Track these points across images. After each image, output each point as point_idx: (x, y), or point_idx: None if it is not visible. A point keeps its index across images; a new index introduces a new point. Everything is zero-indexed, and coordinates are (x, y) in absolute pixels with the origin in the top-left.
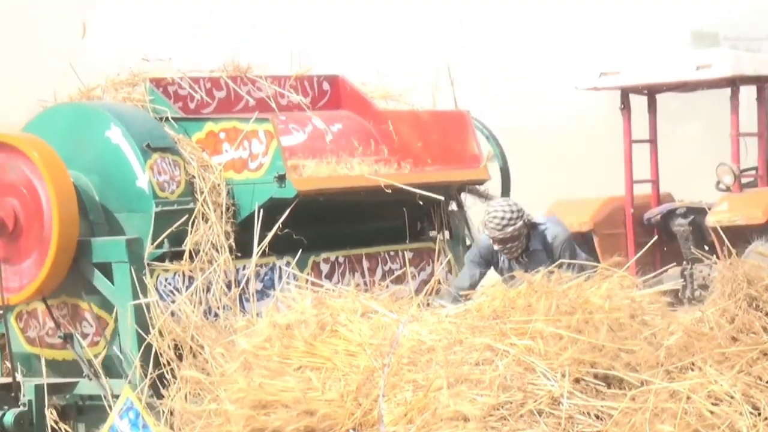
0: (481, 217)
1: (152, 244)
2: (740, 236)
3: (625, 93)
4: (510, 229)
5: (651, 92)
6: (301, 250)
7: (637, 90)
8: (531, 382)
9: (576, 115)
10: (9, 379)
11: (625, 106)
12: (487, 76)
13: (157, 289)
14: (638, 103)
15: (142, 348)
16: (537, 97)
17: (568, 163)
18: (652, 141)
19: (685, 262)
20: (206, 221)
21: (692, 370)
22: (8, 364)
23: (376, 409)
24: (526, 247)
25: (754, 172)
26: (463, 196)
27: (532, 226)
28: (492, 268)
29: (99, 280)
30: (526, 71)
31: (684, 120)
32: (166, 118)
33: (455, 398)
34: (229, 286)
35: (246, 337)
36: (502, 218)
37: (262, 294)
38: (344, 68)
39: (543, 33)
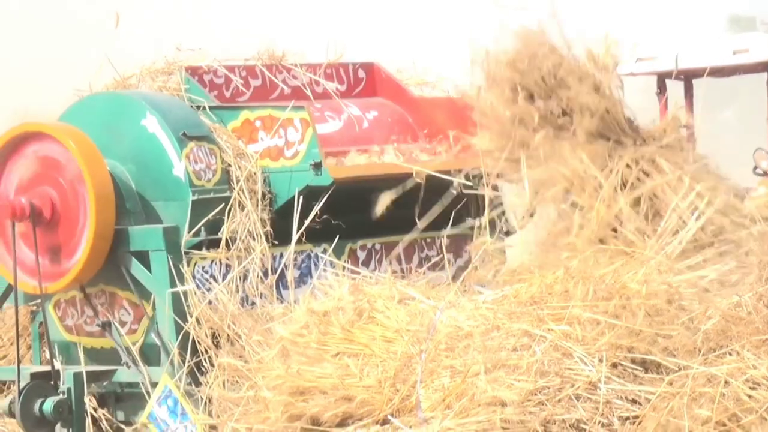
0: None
1: (189, 232)
2: None
3: (662, 78)
4: None
5: (687, 77)
6: (337, 238)
7: (674, 75)
8: (568, 367)
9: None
10: (48, 367)
11: (662, 91)
12: None
13: (194, 277)
14: (675, 88)
15: (180, 336)
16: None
17: None
18: (689, 127)
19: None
20: (242, 209)
21: (730, 354)
22: (47, 353)
23: (414, 395)
24: None
25: None
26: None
27: None
28: None
29: (136, 269)
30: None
31: (721, 105)
32: (202, 107)
33: (493, 384)
34: (265, 274)
35: (283, 325)
36: None
37: (299, 281)
38: (379, 55)
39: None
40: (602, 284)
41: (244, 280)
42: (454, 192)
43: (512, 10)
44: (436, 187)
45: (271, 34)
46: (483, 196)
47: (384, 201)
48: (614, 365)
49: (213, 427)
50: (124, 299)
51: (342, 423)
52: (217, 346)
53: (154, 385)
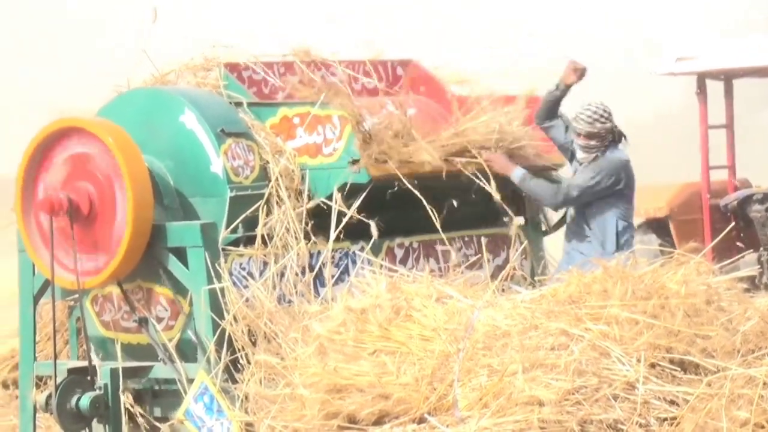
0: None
1: (226, 228)
2: None
3: (702, 78)
4: (598, 125)
5: (727, 77)
6: (375, 236)
7: (714, 75)
8: (606, 367)
9: (652, 101)
10: (85, 363)
11: (702, 91)
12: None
13: (231, 274)
14: (714, 88)
15: (217, 333)
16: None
17: (643, 148)
18: (729, 126)
19: (761, 248)
20: (280, 206)
21: None
22: (84, 348)
23: (451, 393)
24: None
25: None
26: None
27: (616, 140)
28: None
29: (173, 265)
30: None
31: (760, 105)
32: (240, 103)
33: (530, 383)
34: (303, 272)
35: (320, 322)
36: (595, 113)
37: (336, 279)
38: (418, 52)
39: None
40: (641, 284)
41: (281, 278)
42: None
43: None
44: (475, 185)
45: (305, 32)
46: (522, 194)
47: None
48: (652, 365)
49: (249, 424)
50: (161, 295)
51: (378, 421)
52: (253, 343)
53: (190, 381)
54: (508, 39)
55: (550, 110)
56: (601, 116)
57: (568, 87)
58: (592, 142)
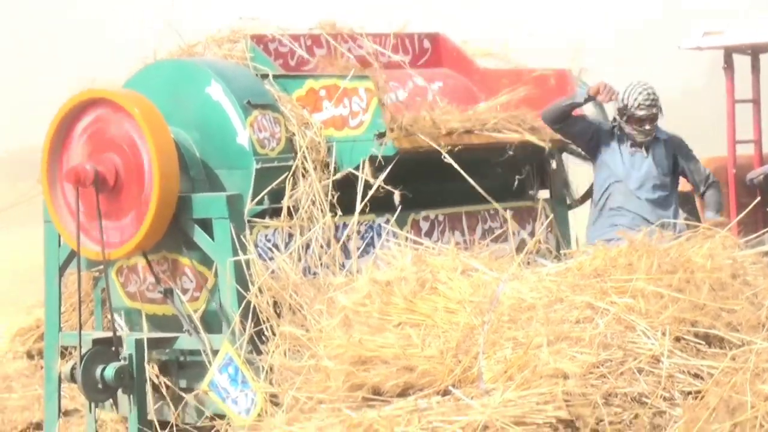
0: (622, 95)
1: (252, 200)
2: None
3: (729, 53)
4: (658, 104)
5: (754, 52)
6: (400, 208)
7: (741, 50)
8: (631, 340)
9: (679, 76)
10: (110, 334)
11: (728, 65)
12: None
13: (256, 245)
14: (742, 63)
15: (242, 304)
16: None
17: (670, 123)
18: (755, 101)
19: None
20: (306, 178)
21: None
22: (109, 319)
23: (476, 366)
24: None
25: None
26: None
27: None
28: (594, 146)
29: (199, 236)
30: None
31: None
32: (267, 76)
33: (555, 356)
34: (328, 244)
35: (345, 294)
36: (651, 94)
37: (361, 251)
38: (445, 26)
39: None
40: (666, 257)
41: (306, 250)
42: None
43: None
44: (499, 158)
45: (331, 4)
46: (547, 168)
47: None
48: (677, 339)
49: (274, 395)
50: (186, 266)
51: (403, 393)
52: (278, 315)
53: (215, 352)
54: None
55: (564, 114)
56: (655, 95)
57: (591, 101)
58: (652, 126)
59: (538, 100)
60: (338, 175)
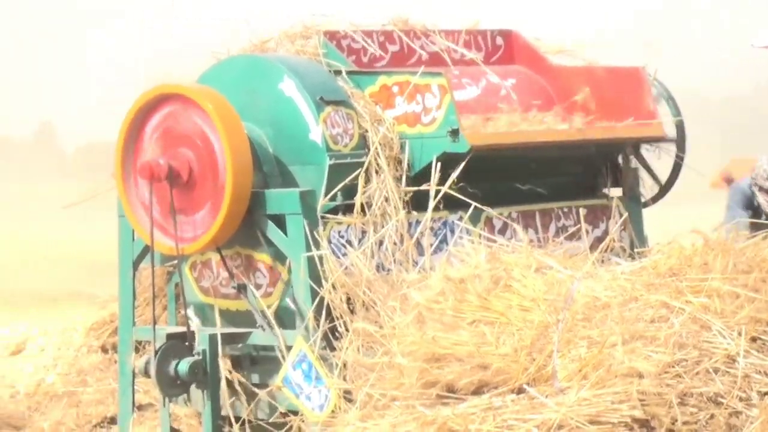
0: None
1: (325, 196)
2: None
3: None
4: None
5: None
6: (474, 206)
7: None
8: (707, 340)
9: (751, 73)
10: (183, 329)
11: None
12: (661, 37)
13: (329, 241)
14: None
15: (316, 301)
16: (711, 56)
17: (743, 120)
18: None
19: None
20: (379, 175)
21: None
22: (183, 314)
23: (550, 364)
24: None
25: None
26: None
27: None
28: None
29: (272, 232)
30: (700, 30)
31: None
32: (339, 72)
33: (630, 355)
34: (401, 241)
35: (419, 291)
36: None
37: (435, 249)
38: (517, 23)
39: None
40: (742, 257)
41: (379, 246)
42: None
43: None
44: (572, 156)
45: (404, 1)
46: (620, 166)
47: None
48: (753, 339)
49: (347, 392)
50: (259, 262)
51: (477, 391)
52: (351, 311)
53: (288, 348)
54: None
55: None
56: None
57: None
58: None
59: (613, 98)
60: (411, 173)
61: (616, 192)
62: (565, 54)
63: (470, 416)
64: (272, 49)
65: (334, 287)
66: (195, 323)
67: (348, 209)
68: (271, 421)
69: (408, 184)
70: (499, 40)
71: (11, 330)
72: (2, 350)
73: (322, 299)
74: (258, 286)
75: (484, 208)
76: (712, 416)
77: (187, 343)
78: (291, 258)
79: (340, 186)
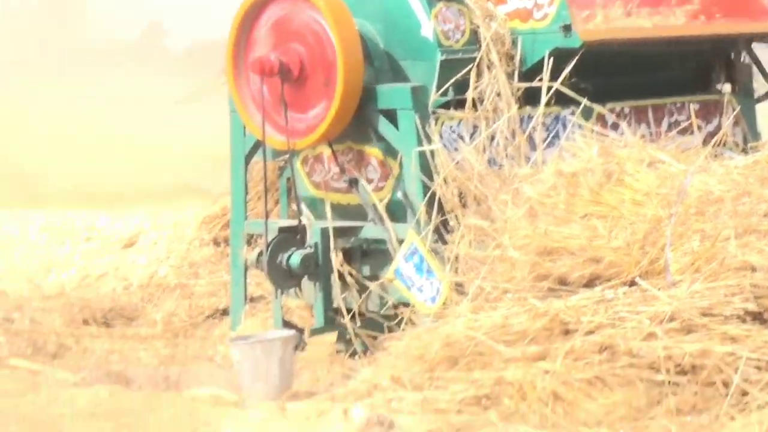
0: None
1: (436, 92)
2: None
3: None
4: None
5: None
6: (586, 101)
7: None
8: None
9: None
10: (295, 222)
11: None
12: None
13: (441, 136)
14: None
15: (427, 195)
16: None
17: None
18: None
19: None
20: (490, 70)
21: None
22: (294, 208)
23: (663, 258)
24: None
25: None
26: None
27: None
28: None
29: (384, 127)
30: None
31: None
32: None
33: (743, 248)
34: (513, 135)
35: (531, 185)
36: None
37: (546, 143)
38: None
39: None
40: None
41: (491, 141)
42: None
43: None
44: (684, 52)
45: None
46: (733, 62)
47: None
48: None
49: (459, 284)
50: (371, 156)
51: (589, 284)
52: (463, 205)
53: (400, 242)
54: None
55: None
56: None
57: None
58: None
59: None
60: (523, 68)
61: (728, 88)
62: None
63: (582, 308)
64: None
65: (445, 181)
66: (306, 217)
67: (459, 104)
68: (382, 313)
69: (520, 80)
70: None
71: (124, 224)
72: (115, 243)
73: (433, 193)
74: (369, 181)
75: (595, 105)
76: None
77: (298, 237)
78: (402, 153)
79: (451, 81)
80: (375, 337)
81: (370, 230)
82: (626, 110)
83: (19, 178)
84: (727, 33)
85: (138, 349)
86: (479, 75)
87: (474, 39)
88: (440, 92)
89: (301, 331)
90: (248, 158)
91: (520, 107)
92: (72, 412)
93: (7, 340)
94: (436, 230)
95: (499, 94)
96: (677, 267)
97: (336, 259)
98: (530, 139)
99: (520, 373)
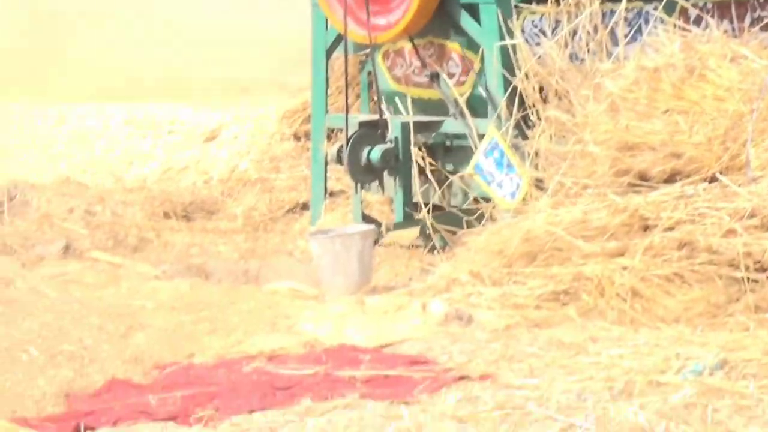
0: None
1: None
2: None
3: None
4: None
5: None
6: None
7: None
8: None
9: None
10: (376, 117)
11: None
12: None
13: (522, 31)
14: None
15: (508, 90)
16: None
17: None
18: None
19: None
20: None
21: None
22: (375, 102)
23: (743, 153)
24: None
25: None
26: None
27: None
28: None
29: (466, 21)
30: None
31: None
32: None
33: None
34: (595, 30)
35: (612, 80)
36: None
37: (629, 38)
38: None
39: None
40: None
41: (573, 36)
42: None
43: None
44: None
45: None
46: None
47: None
48: None
49: (539, 180)
50: (452, 51)
51: (669, 179)
52: (544, 100)
53: (480, 136)
54: None
55: None
56: None
57: None
58: None
59: None
60: None
61: None
62: None
63: (662, 204)
64: None
65: (527, 76)
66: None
67: None
68: (462, 208)
69: None
70: None
71: (206, 117)
72: (196, 137)
73: (514, 88)
74: (450, 75)
75: None
76: None
77: (379, 131)
78: (484, 47)
79: None
80: (454, 232)
81: (450, 125)
82: (709, 5)
83: (101, 72)
84: None
85: (218, 242)
86: None
87: None
88: None
89: (380, 225)
90: (329, 52)
91: (602, 2)
92: (152, 305)
93: (89, 233)
94: (517, 125)
95: None
96: (758, 163)
97: (416, 153)
98: (612, 34)
99: (598, 268)
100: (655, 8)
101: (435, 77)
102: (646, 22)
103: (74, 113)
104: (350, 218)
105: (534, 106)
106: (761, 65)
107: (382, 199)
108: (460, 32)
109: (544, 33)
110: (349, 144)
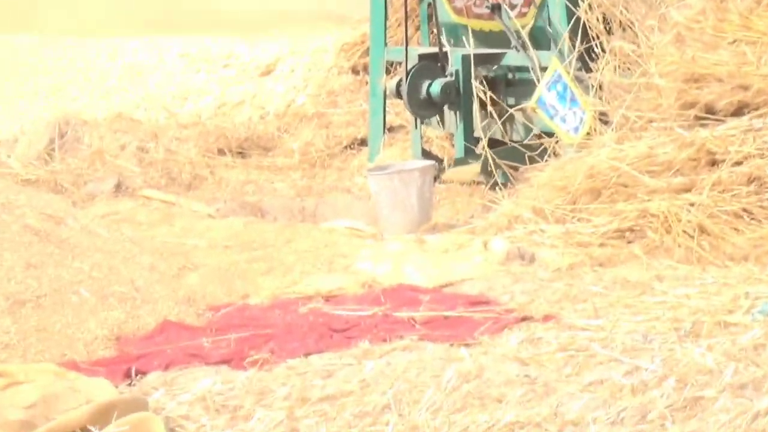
0: None
1: None
2: None
3: None
4: None
5: None
6: None
7: None
8: None
9: None
10: (436, 49)
11: None
12: None
13: None
14: None
15: (572, 21)
16: None
17: None
18: None
19: None
20: None
21: None
22: (435, 34)
23: None
24: None
25: None
26: None
27: None
28: None
29: None
30: None
31: None
32: None
33: None
34: None
35: (678, 10)
36: None
37: None
38: None
39: None
40: None
41: None
42: None
43: None
44: None
45: None
46: None
47: None
48: None
49: (603, 113)
50: None
51: (737, 112)
52: (608, 31)
53: (543, 69)
54: None
55: None
56: None
57: None
58: None
59: None
60: None
61: None
62: None
63: (730, 138)
64: None
65: (590, 7)
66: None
67: None
68: (525, 142)
69: None
70: None
71: (261, 51)
72: (252, 71)
73: (578, 19)
74: (512, 6)
75: None
76: None
77: (439, 64)
78: None
79: None
80: (516, 168)
81: (512, 57)
82: None
83: (154, 5)
84: None
85: (274, 179)
86: None
87: None
88: None
89: (440, 161)
90: None
91: None
92: (206, 244)
93: (142, 171)
94: (580, 57)
95: None
96: None
97: (478, 87)
98: None
99: (665, 205)
100: None
101: (496, 8)
102: None
103: (128, 47)
104: (409, 154)
105: (598, 37)
106: None
107: (442, 134)
108: None
109: None
110: (409, 77)
